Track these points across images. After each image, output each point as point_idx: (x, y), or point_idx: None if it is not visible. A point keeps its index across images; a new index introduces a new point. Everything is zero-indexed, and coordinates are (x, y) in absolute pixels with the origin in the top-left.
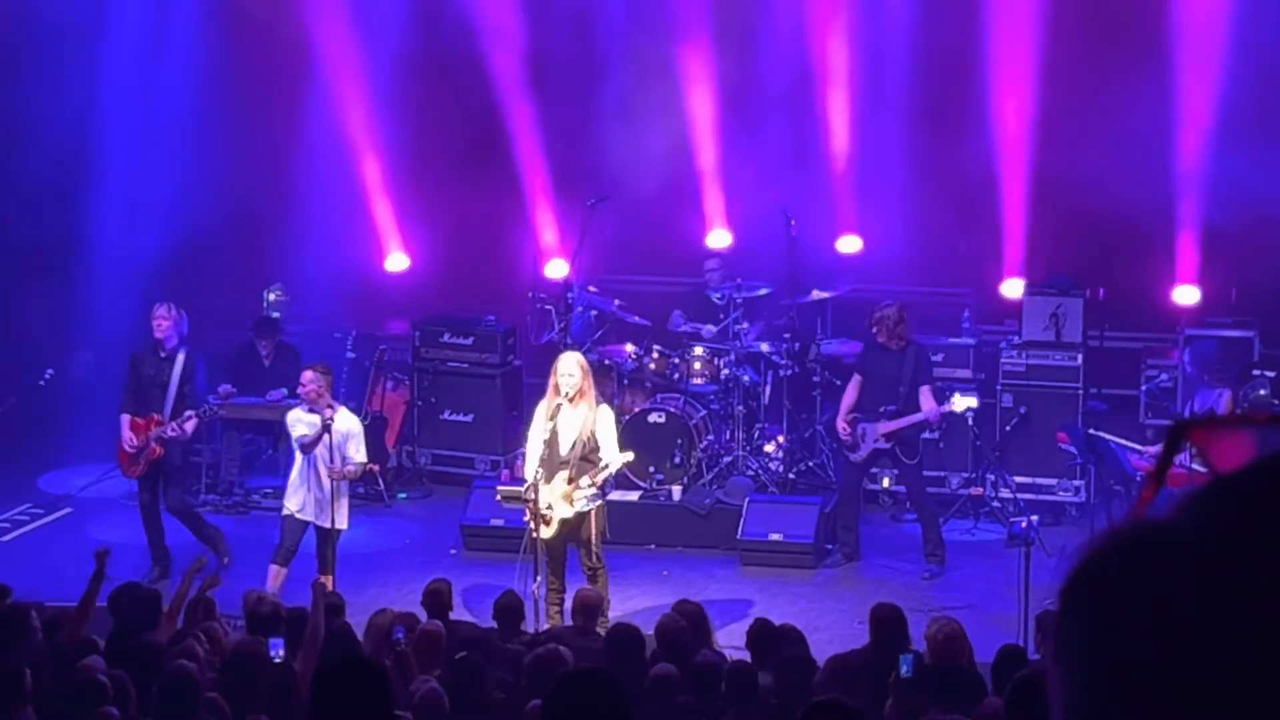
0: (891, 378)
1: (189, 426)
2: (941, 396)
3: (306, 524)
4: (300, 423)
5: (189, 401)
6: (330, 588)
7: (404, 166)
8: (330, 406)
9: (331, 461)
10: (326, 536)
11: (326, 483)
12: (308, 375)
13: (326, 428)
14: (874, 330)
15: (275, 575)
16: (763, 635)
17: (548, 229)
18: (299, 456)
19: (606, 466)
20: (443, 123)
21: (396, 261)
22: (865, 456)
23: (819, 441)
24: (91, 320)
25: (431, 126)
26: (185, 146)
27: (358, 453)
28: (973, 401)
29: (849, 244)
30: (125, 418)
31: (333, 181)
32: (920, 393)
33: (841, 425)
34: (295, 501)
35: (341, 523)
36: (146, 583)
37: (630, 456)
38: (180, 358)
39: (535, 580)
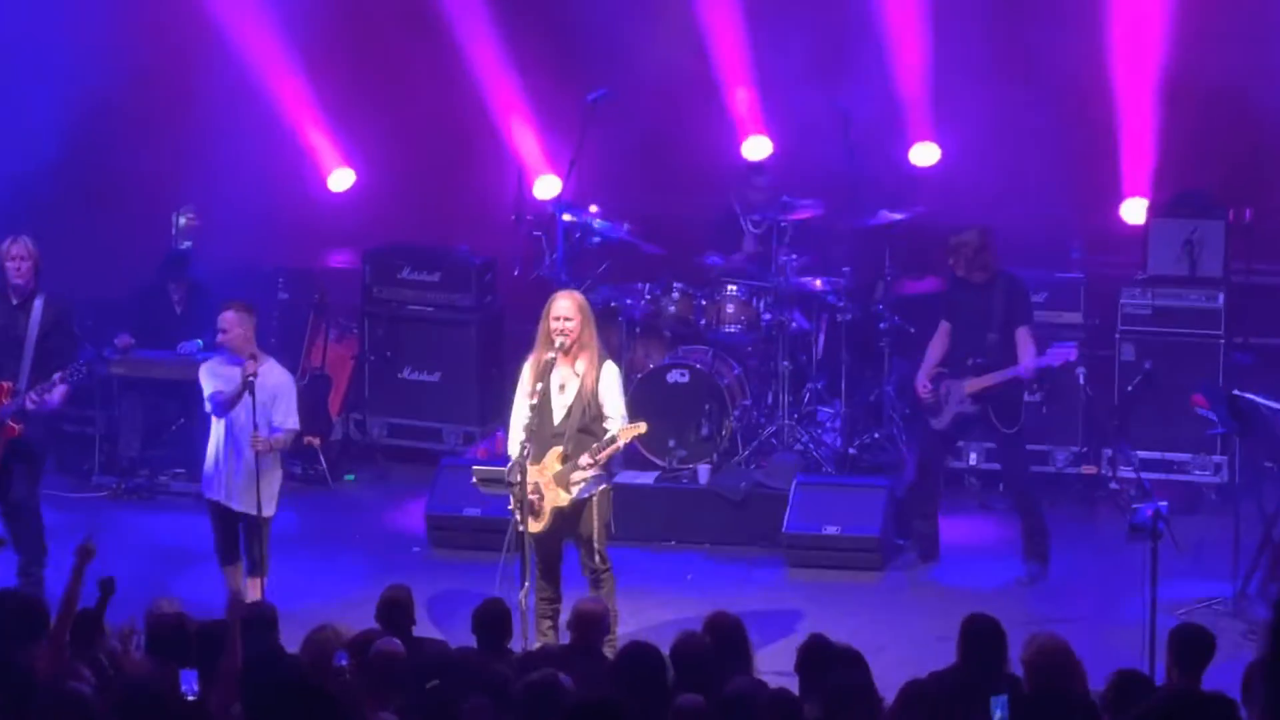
0: (977, 320)
1: (56, 395)
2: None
3: (230, 510)
4: (217, 378)
5: (56, 360)
6: (259, 595)
7: (345, 55)
8: (253, 357)
9: (255, 428)
10: (254, 528)
11: (250, 455)
12: (229, 316)
13: (248, 385)
14: (951, 262)
15: (231, 576)
16: (816, 656)
17: (534, 134)
18: (215, 424)
19: (613, 440)
20: None
21: (339, 178)
22: (948, 423)
23: (886, 407)
24: None
25: (379, 2)
26: (65, 39)
27: (288, 417)
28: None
29: (924, 154)
30: None
31: (254, 77)
32: (1018, 337)
33: (922, 382)
34: (215, 483)
35: (267, 508)
36: (23, 588)
37: (643, 427)
38: (38, 305)
39: (522, 587)
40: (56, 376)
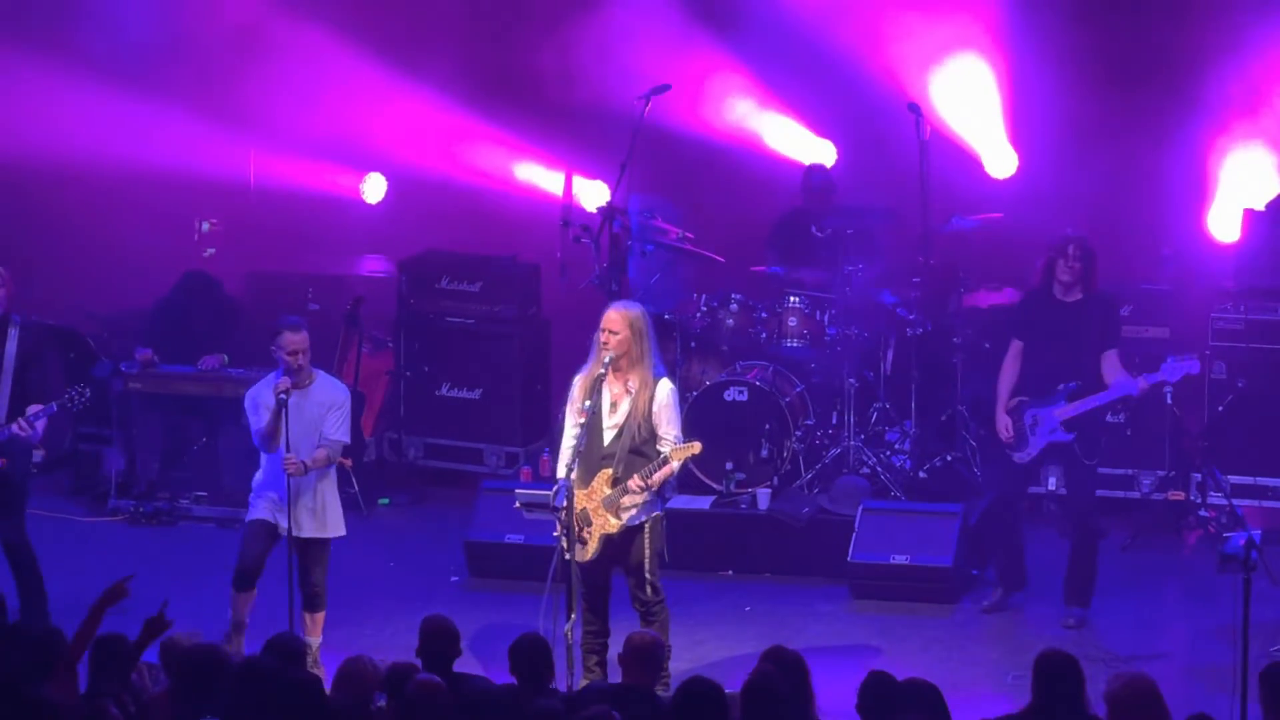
0: (1069, 342)
1: (41, 425)
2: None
3: (275, 530)
4: (263, 407)
5: (36, 394)
6: (318, 629)
7: (378, 48)
8: (289, 374)
9: (288, 450)
10: (310, 554)
11: (308, 477)
12: (298, 339)
13: (282, 403)
14: (1055, 273)
15: (240, 602)
16: (881, 694)
17: (581, 133)
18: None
19: (665, 462)
20: None
21: (373, 187)
22: (1036, 455)
23: (959, 427)
24: None
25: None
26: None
27: (337, 429)
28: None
29: (1000, 159)
30: None
31: (284, 73)
32: (1104, 361)
33: (1001, 420)
34: (260, 501)
35: (324, 528)
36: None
37: (697, 447)
38: (13, 334)
39: (568, 619)
40: (54, 404)
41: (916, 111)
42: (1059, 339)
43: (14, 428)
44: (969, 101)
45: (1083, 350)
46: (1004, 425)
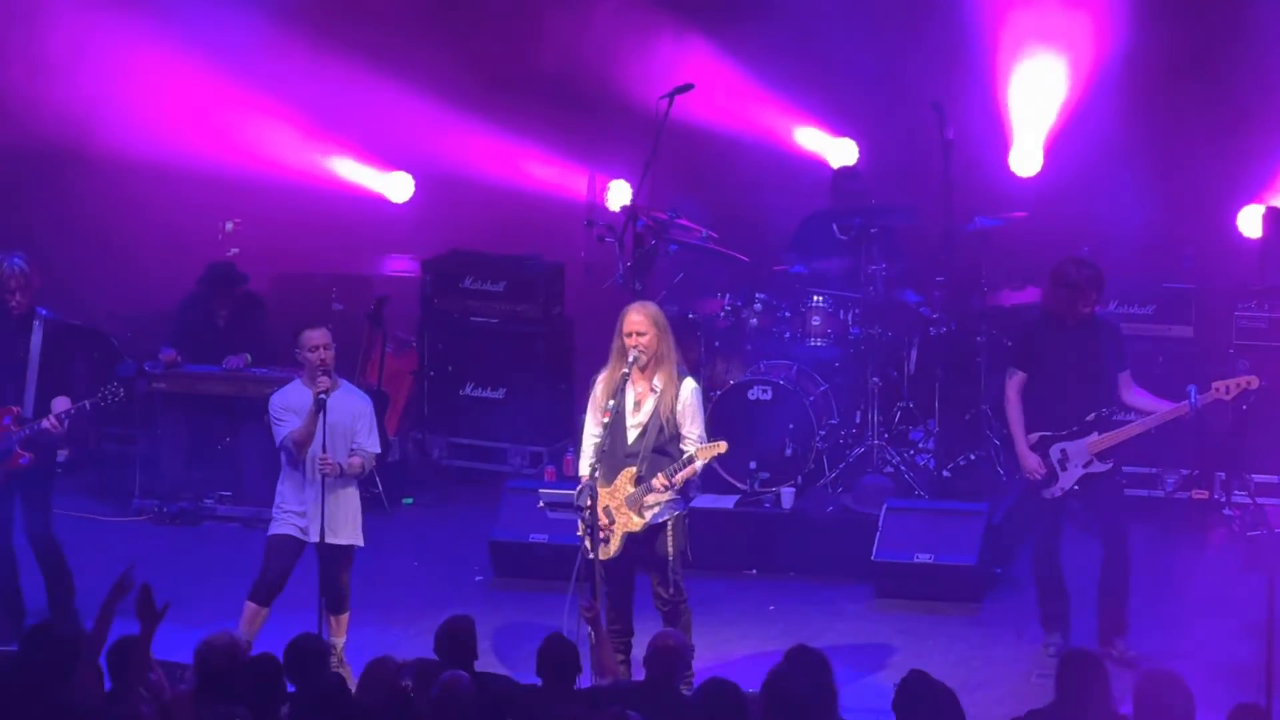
0: (1090, 368)
1: (68, 422)
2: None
3: (301, 546)
4: (289, 412)
5: (60, 387)
6: (343, 630)
7: (405, 47)
8: (326, 374)
9: (324, 450)
10: (337, 559)
11: (333, 484)
12: (318, 336)
13: (321, 405)
14: (1076, 305)
15: (252, 616)
16: (917, 694)
17: (605, 133)
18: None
19: (690, 461)
20: None
21: (398, 186)
22: (1070, 486)
23: (984, 426)
24: None
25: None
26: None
27: (370, 438)
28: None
29: (1025, 158)
30: None
31: (307, 75)
32: (1121, 383)
33: (1031, 459)
34: (286, 515)
35: (355, 535)
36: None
37: (723, 446)
38: (38, 325)
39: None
40: (86, 402)
41: (939, 110)
42: (1078, 366)
43: (44, 423)
44: (997, 98)
45: (1104, 374)
46: (1035, 463)
